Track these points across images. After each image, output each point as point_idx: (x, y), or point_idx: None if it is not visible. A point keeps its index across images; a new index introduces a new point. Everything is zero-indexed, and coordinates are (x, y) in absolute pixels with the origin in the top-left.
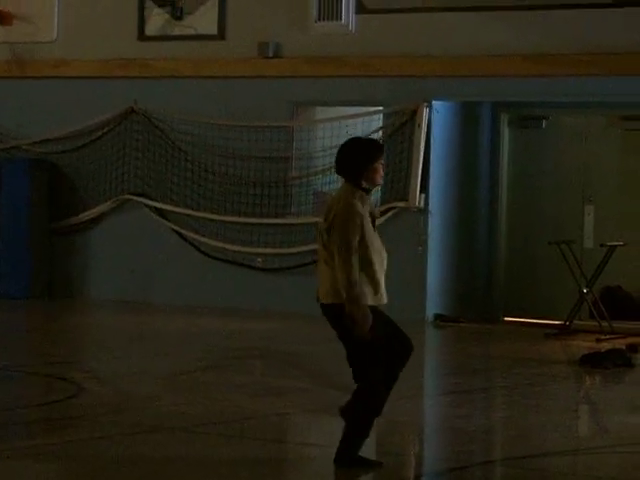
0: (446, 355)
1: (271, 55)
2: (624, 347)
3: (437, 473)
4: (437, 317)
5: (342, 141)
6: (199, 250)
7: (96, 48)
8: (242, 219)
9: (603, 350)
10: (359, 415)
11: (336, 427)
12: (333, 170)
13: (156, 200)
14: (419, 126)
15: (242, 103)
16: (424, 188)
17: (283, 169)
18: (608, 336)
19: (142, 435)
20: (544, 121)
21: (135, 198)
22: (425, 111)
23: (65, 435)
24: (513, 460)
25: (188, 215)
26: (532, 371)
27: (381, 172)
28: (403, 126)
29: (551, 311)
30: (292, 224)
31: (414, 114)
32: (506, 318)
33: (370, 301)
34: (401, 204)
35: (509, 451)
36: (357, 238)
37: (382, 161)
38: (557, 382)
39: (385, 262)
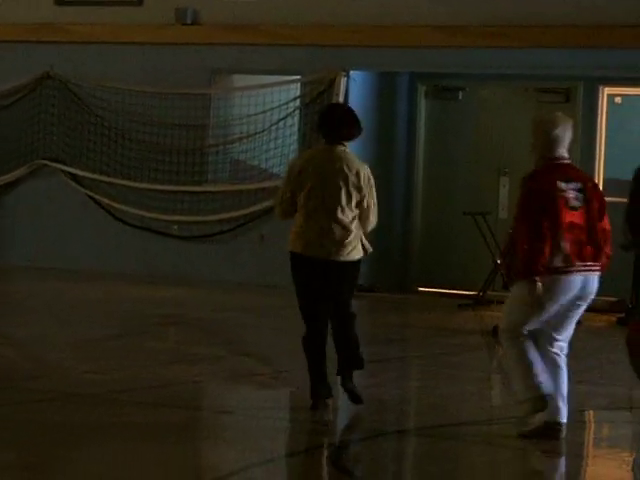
0: (361, 325)
1: (189, 22)
2: None
3: (351, 441)
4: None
5: (259, 109)
6: (115, 217)
7: (12, 12)
8: (159, 186)
9: None
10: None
11: (250, 394)
12: (250, 138)
13: (72, 166)
14: (337, 95)
15: (160, 70)
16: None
17: (200, 137)
18: None
19: (56, 402)
20: (460, 92)
21: (51, 164)
22: (343, 80)
23: None
24: (427, 429)
25: (104, 182)
26: (446, 341)
27: None
28: (321, 95)
29: (465, 282)
30: (209, 192)
31: (332, 83)
32: (421, 288)
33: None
34: None
35: (423, 420)
36: None
37: None
38: (470, 352)
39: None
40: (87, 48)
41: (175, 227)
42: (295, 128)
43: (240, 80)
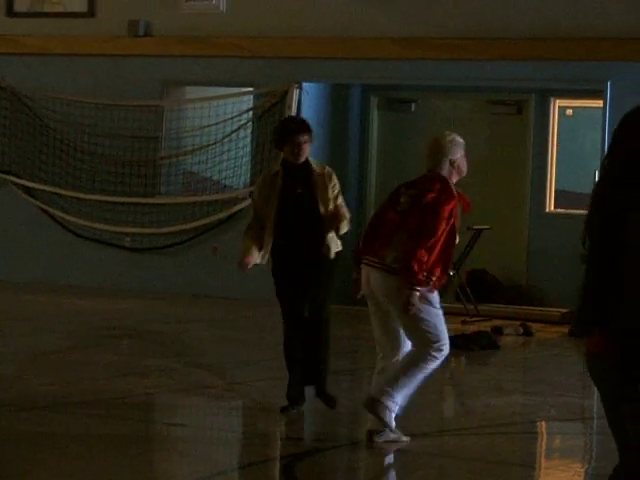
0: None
1: (141, 33)
2: (489, 329)
3: (302, 453)
4: None
5: (212, 121)
6: (67, 229)
7: None
8: (111, 198)
9: (469, 332)
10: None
11: (201, 406)
12: (203, 150)
13: (24, 178)
14: (289, 107)
15: (112, 81)
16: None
17: (153, 149)
18: (474, 318)
19: (7, 414)
20: (413, 104)
21: (2, 175)
22: (295, 92)
23: None
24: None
25: (56, 194)
26: None
27: None
28: (273, 107)
29: None
30: (161, 204)
31: (284, 95)
32: None
33: None
34: None
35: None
36: None
37: None
38: None
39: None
40: (39, 59)
41: (128, 239)
42: (248, 140)
43: (193, 92)
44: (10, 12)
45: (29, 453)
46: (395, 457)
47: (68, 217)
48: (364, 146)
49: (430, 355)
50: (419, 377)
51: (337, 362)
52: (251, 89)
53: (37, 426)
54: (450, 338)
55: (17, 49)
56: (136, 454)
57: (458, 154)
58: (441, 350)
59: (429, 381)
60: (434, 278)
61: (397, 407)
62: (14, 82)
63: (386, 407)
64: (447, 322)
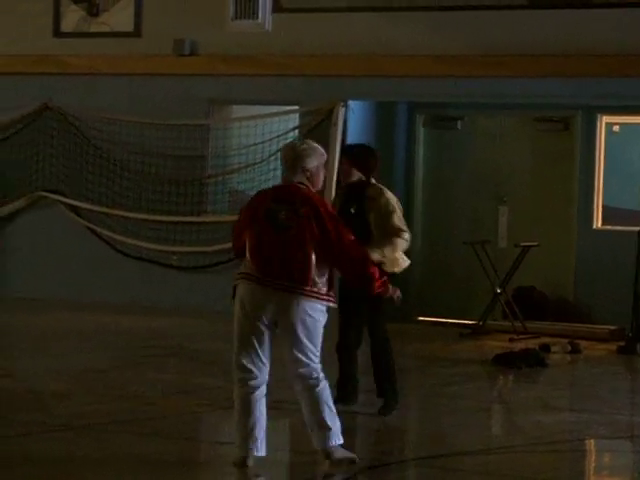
0: (360, 355)
1: (187, 53)
2: (537, 347)
3: (349, 472)
4: None
5: (258, 140)
6: (114, 248)
7: (11, 43)
8: (158, 217)
9: (516, 350)
10: None
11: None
12: (249, 169)
13: (71, 197)
14: (335, 125)
15: (158, 101)
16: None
17: (199, 167)
18: (521, 336)
19: (54, 433)
20: (459, 122)
21: (50, 195)
22: (341, 110)
23: None
24: (427, 459)
25: (103, 213)
26: (446, 371)
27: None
28: (319, 125)
29: (465, 311)
30: (207, 222)
31: (330, 113)
32: (420, 318)
33: None
34: None
35: (423, 450)
36: None
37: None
38: (470, 382)
39: None
40: (86, 79)
41: (174, 257)
42: None
43: (239, 111)
44: (57, 33)
45: (76, 473)
46: (443, 475)
47: (115, 236)
48: (410, 164)
49: None
50: None
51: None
52: (297, 107)
53: (81, 446)
54: (497, 356)
55: (64, 69)
56: (183, 473)
57: (314, 163)
58: None
59: (477, 399)
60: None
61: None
62: (61, 102)
63: None
64: (495, 339)
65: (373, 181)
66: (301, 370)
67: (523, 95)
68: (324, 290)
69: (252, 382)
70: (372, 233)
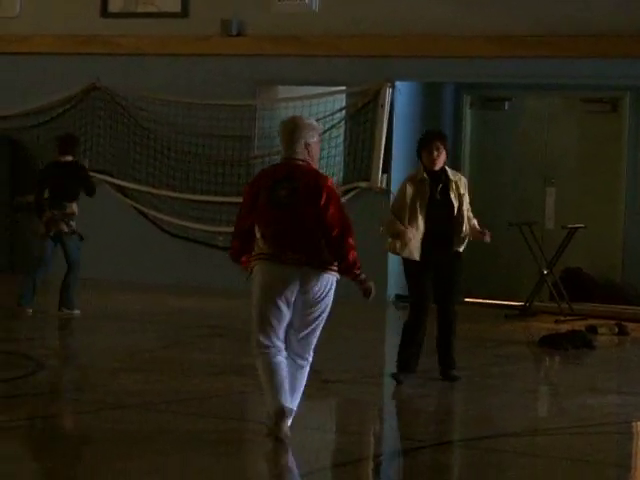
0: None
1: (234, 33)
2: (583, 329)
3: (397, 453)
4: (398, 298)
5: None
6: (160, 228)
7: (59, 24)
8: (204, 197)
9: (563, 331)
10: None
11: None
12: None
13: (118, 177)
14: (382, 106)
15: (205, 81)
16: (386, 169)
17: (245, 148)
18: (568, 317)
19: (102, 412)
20: (506, 103)
21: (97, 175)
22: (388, 91)
23: (24, 412)
24: (472, 441)
25: (149, 193)
26: (492, 352)
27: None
28: (366, 106)
29: (512, 292)
30: None
31: (377, 94)
32: (467, 299)
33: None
34: (363, 184)
35: (468, 432)
36: None
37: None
38: (517, 363)
39: None
40: (133, 60)
41: (220, 238)
42: (340, 139)
43: (285, 91)
44: (104, 13)
45: (120, 453)
46: (488, 457)
47: (161, 216)
48: (457, 145)
49: None
50: None
51: (430, 361)
52: (343, 88)
53: (131, 424)
54: (544, 337)
55: (111, 50)
56: (229, 452)
57: (315, 137)
58: None
59: (523, 380)
60: None
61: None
62: (108, 83)
63: None
64: (541, 321)
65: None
66: (301, 351)
67: (571, 76)
68: (335, 263)
69: (272, 354)
70: (453, 217)
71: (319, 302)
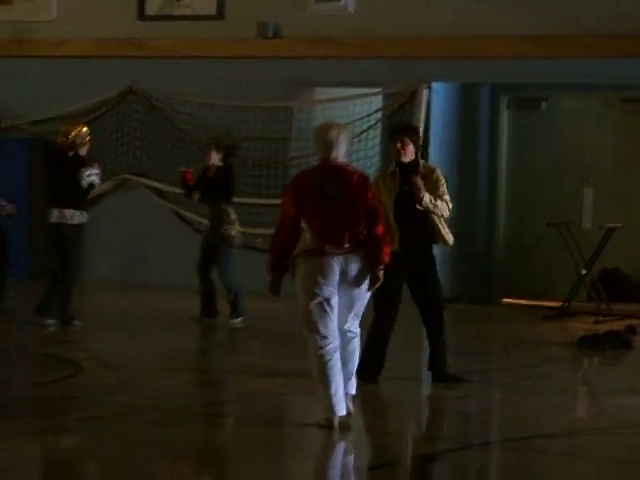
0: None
1: (270, 35)
2: (622, 329)
3: (434, 454)
4: None
5: (341, 122)
6: (197, 231)
7: (95, 27)
8: (241, 199)
9: (601, 332)
10: None
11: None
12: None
13: (155, 180)
14: (418, 107)
15: (241, 83)
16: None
17: (282, 150)
18: (606, 318)
19: (140, 415)
20: (543, 103)
21: (134, 178)
22: (424, 92)
23: (63, 415)
24: (510, 441)
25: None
26: (530, 353)
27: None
28: (402, 107)
29: (549, 293)
30: None
31: (413, 95)
32: (504, 300)
33: None
34: None
35: (506, 432)
36: None
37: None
38: (555, 364)
39: None
40: (169, 62)
41: (258, 240)
42: (377, 140)
43: (322, 93)
44: (141, 15)
45: (156, 456)
46: (527, 457)
47: (199, 218)
48: (494, 145)
49: None
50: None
51: (468, 362)
52: (380, 89)
53: (170, 428)
54: (582, 338)
55: (148, 52)
56: (269, 455)
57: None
58: None
59: (561, 381)
60: None
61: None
62: (145, 85)
63: None
64: (579, 321)
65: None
66: (350, 325)
67: (608, 75)
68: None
69: (328, 347)
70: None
71: (360, 282)
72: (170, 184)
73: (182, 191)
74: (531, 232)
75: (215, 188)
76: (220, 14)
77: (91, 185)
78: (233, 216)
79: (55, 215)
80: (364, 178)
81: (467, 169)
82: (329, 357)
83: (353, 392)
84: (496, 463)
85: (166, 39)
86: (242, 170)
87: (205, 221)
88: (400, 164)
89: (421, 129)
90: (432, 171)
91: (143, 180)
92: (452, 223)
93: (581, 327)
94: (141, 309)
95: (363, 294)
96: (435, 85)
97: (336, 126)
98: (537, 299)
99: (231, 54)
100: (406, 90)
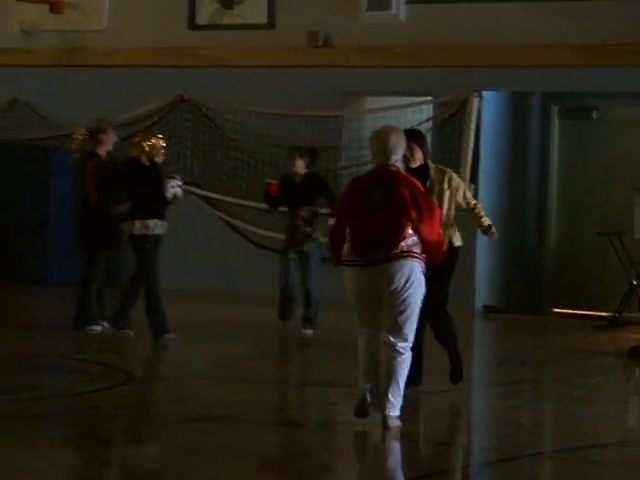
0: (495, 346)
1: (321, 44)
2: None
3: (486, 464)
4: (486, 308)
5: None
6: (248, 239)
7: (146, 37)
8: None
9: None
10: None
11: (376, 414)
12: None
13: (205, 189)
14: (469, 116)
15: (292, 92)
16: (474, 178)
17: (332, 159)
18: None
19: (190, 424)
20: (594, 112)
21: (185, 186)
22: (475, 101)
23: (113, 423)
24: (562, 452)
25: (237, 204)
26: (581, 363)
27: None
28: (453, 116)
29: (600, 303)
30: None
31: (464, 104)
32: (555, 310)
33: None
34: None
35: (558, 442)
36: None
37: None
38: (606, 374)
39: None
40: (220, 71)
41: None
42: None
43: (372, 102)
44: (192, 25)
45: (215, 462)
46: (579, 468)
47: (249, 227)
48: (545, 154)
49: None
50: None
51: (519, 371)
52: (430, 98)
53: (220, 436)
54: (633, 348)
55: (198, 62)
56: (319, 463)
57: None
58: None
59: (613, 391)
60: None
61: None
62: (196, 94)
63: None
64: (631, 331)
65: (431, 163)
66: (397, 335)
67: None
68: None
69: (370, 335)
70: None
71: (407, 289)
72: (220, 192)
73: (266, 205)
74: (582, 241)
75: (305, 195)
76: (271, 23)
77: (174, 197)
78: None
79: (138, 227)
80: (417, 186)
81: (518, 178)
82: (370, 341)
83: (387, 412)
84: (548, 473)
85: (217, 48)
86: None
87: (256, 229)
88: (410, 169)
89: (472, 138)
90: (443, 173)
91: (193, 188)
92: (503, 232)
93: (632, 337)
94: (191, 317)
95: (406, 303)
96: (486, 94)
97: (395, 131)
98: (588, 309)
99: (281, 63)
100: (457, 99)
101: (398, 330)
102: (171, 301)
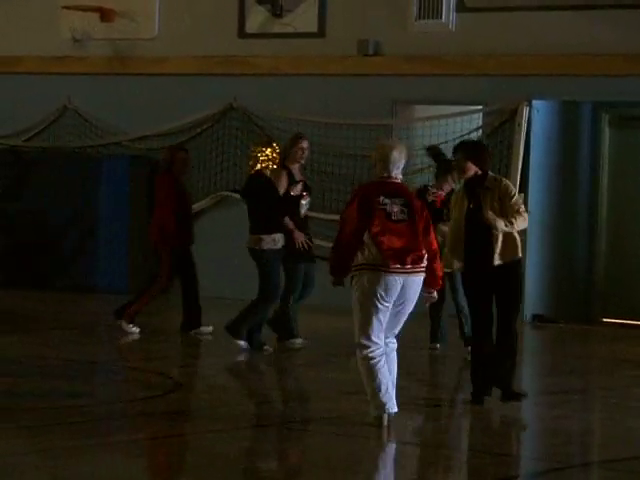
0: (544, 356)
1: (371, 53)
2: None
3: (535, 473)
4: (536, 318)
5: (441, 140)
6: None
7: (196, 45)
8: (339, 217)
9: None
10: None
11: (430, 424)
12: (431, 169)
13: None
14: (519, 125)
15: (341, 101)
16: (523, 188)
17: None
18: None
19: (238, 431)
20: None
21: (234, 195)
22: (525, 110)
23: (162, 430)
24: (611, 462)
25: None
26: (631, 373)
27: None
28: (503, 125)
29: None
30: None
31: (514, 113)
32: (605, 319)
33: None
34: None
35: (608, 453)
36: None
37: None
38: None
39: None
40: (269, 80)
41: None
42: None
43: (422, 110)
44: (241, 33)
45: (262, 470)
46: (629, 479)
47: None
48: (595, 164)
49: None
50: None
51: (568, 381)
52: (480, 107)
53: (269, 443)
54: None
55: (248, 70)
56: (364, 472)
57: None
58: None
59: None
60: None
61: None
62: (245, 103)
63: None
64: None
65: (490, 173)
66: (390, 334)
67: None
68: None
69: (377, 351)
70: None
71: (413, 299)
72: None
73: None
74: (633, 251)
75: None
76: (321, 32)
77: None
78: None
79: (266, 241)
80: (419, 200)
81: (568, 187)
82: (378, 359)
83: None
84: None
85: (266, 56)
86: (342, 188)
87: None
88: (466, 182)
89: (521, 147)
90: (499, 182)
91: None
92: (553, 241)
93: None
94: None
95: (409, 311)
96: (536, 103)
97: (400, 145)
98: (639, 319)
99: (331, 72)
100: (507, 108)
101: (394, 332)
102: (226, 310)
